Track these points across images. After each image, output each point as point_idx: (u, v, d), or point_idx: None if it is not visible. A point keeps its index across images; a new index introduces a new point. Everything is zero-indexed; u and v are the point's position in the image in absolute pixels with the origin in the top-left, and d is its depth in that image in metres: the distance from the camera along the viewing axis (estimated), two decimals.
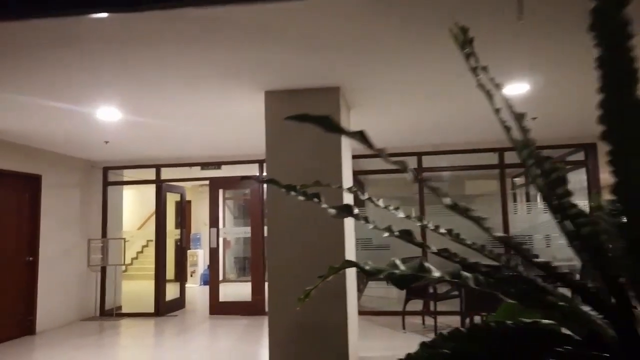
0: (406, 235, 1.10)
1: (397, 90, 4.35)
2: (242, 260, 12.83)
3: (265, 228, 7.36)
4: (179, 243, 12.07)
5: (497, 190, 7.32)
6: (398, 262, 1.11)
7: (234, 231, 7.55)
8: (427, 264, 1.07)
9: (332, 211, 1.18)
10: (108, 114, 4.83)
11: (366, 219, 1.17)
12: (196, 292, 10.40)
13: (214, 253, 7.55)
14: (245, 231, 7.48)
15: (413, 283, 1.04)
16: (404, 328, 5.83)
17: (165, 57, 3.39)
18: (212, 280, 7.48)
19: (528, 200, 9.15)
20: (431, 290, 5.99)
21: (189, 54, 3.40)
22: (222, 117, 5.12)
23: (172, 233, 10.46)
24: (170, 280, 10.28)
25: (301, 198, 1.20)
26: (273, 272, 4.02)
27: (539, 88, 4.32)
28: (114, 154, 7.28)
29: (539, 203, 7.75)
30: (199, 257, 11.86)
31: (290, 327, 3.94)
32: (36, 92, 4.12)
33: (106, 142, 6.26)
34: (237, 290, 9.80)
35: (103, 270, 7.71)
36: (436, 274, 1.04)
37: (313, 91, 4.16)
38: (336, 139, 4.07)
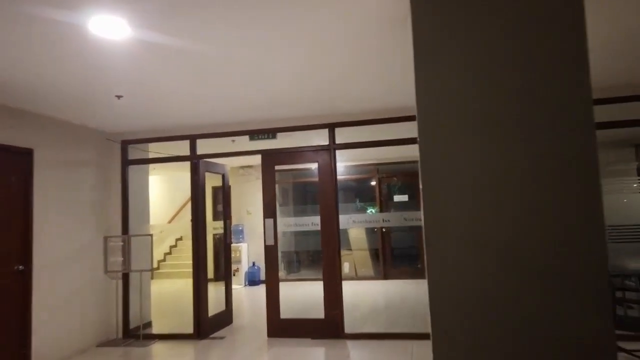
0: None
1: None
2: (292, 255, 10.89)
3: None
4: (217, 237, 10.25)
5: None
6: None
7: (295, 222, 5.55)
8: None
9: None
10: (108, 27, 2.83)
11: None
12: (242, 296, 8.50)
13: (270, 253, 5.55)
14: (313, 222, 5.47)
15: None
16: None
17: None
18: (269, 290, 5.50)
19: None
20: None
21: None
22: (292, 37, 3.05)
23: (210, 226, 8.54)
24: (209, 280, 8.55)
25: None
26: (438, 291, 1.95)
27: None
28: (133, 121, 5.34)
29: None
30: (242, 253, 9.98)
31: None
32: None
33: (118, 96, 4.30)
34: (292, 294, 7.84)
35: (125, 278, 5.84)
36: None
37: None
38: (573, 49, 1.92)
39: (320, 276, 9.96)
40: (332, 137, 5.42)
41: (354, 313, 6.22)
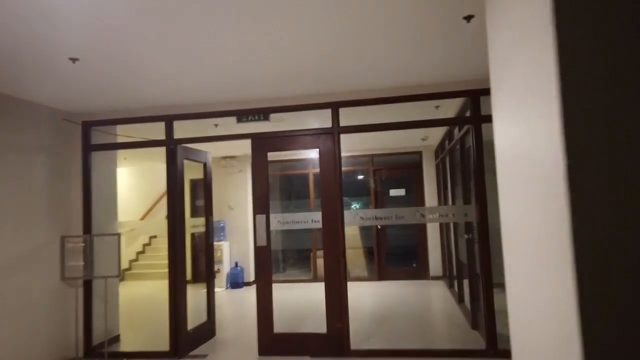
0: None
1: None
2: (278, 253, 10.05)
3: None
4: (197, 236, 9.34)
5: None
6: None
7: (291, 219, 4.71)
8: None
9: None
10: None
11: None
12: (224, 301, 7.63)
13: (262, 255, 4.70)
14: (313, 219, 4.63)
15: None
16: None
17: None
18: (261, 300, 4.66)
19: None
20: None
21: None
22: None
23: (188, 223, 7.60)
24: (187, 282, 7.76)
25: None
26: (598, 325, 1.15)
27: None
28: (96, 97, 4.40)
29: None
30: (224, 252, 9.08)
31: None
32: None
33: (73, 59, 3.37)
34: (282, 300, 7.00)
35: (87, 285, 4.91)
36: None
37: None
38: None
39: (309, 277, 9.20)
40: (335, 118, 4.60)
41: (354, 323, 5.44)
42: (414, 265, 8.98)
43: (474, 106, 4.36)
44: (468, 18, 2.90)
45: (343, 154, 8.88)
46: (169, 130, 4.89)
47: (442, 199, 8.26)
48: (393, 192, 9.05)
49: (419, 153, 8.91)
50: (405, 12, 2.80)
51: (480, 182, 4.26)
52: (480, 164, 4.28)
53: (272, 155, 4.79)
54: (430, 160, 8.80)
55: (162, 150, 4.96)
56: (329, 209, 4.55)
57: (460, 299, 6.28)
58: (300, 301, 7.07)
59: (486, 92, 4.31)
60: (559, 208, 1.22)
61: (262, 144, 4.77)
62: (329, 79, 4.12)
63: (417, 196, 8.96)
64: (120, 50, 3.23)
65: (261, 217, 4.68)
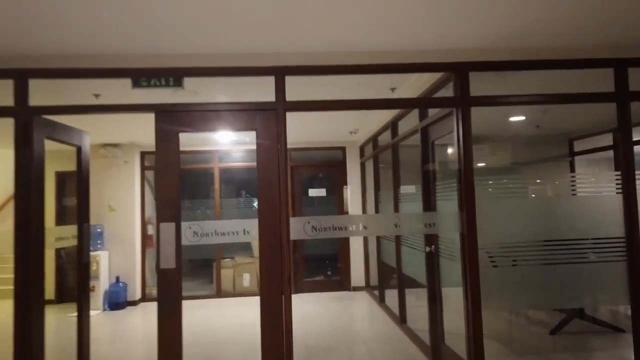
0: None
1: None
2: None
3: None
4: (63, 251, 7.38)
5: None
6: None
7: (214, 229, 3.27)
8: None
9: None
10: None
11: None
12: (102, 329, 5.82)
13: (168, 284, 3.21)
14: (246, 229, 3.27)
15: None
16: None
17: None
18: (164, 349, 3.17)
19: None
20: None
21: None
22: None
23: (51, 235, 5.39)
24: (49, 302, 5.99)
25: None
26: None
27: None
28: None
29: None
30: (101, 265, 7.17)
31: None
32: None
33: None
34: (186, 329, 5.45)
35: None
36: None
37: None
38: None
39: (211, 292, 7.70)
40: (280, 89, 3.30)
41: None
42: (329, 273, 7.97)
43: (461, 85, 3.38)
44: None
45: (251, 147, 7.55)
46: (21, 92, 3.16)
47: (367, 201, 7.37)
48: (312, 192, 7.93)
49: (342, 149, 7.92)
50: None
51: (469, 183, 3.30)
52: (469, 159, 3.31)
53: (200, 133, 3.33)
54: (354, 157, 7.85)
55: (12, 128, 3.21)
56: (270, 216, 3.24)
57: (402, 319, 5.36)
58: (210, 328, 5.60)
59: (479, 66, 3.36)
60: None
61: (171, 120, 3.28)
62: (272, 33, 2.82)
63: (339, 197, 7.95)
64: None
65: (168, 227, 3.19)
